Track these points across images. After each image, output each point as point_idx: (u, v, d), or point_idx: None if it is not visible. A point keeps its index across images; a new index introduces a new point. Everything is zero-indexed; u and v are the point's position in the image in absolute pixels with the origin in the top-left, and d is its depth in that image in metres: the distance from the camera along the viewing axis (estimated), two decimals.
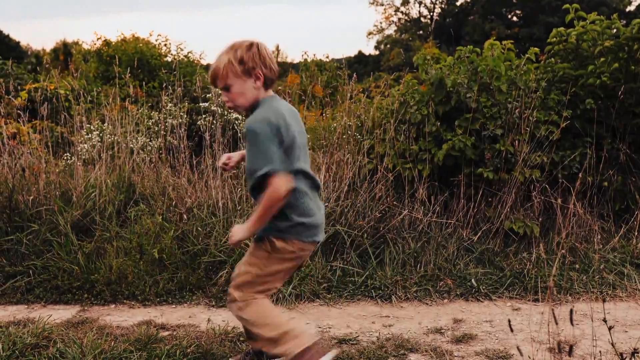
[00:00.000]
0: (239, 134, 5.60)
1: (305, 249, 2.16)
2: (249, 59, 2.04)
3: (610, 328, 1.68)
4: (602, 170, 4.32)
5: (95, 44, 15.17)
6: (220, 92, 2.16)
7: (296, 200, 2.08)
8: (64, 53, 29.97)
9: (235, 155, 2.38)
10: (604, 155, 4.32)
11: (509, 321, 1.57)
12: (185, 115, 5.61)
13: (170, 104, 5.53)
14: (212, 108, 5.39)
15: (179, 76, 5.84)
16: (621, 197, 4.35)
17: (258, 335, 2.15)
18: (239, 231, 2.07)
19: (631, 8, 40.94)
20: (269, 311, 2.17)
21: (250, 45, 2.07)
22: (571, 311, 1.44)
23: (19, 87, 6.68)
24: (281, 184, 1.98)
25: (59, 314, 3.14)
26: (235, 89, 2.06)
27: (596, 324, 2.83)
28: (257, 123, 1.99)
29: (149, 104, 7.17)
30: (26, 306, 3.29)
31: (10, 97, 5.35)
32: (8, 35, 44.70)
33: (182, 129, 4.83)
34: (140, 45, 14.12)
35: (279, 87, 7.38)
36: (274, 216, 2.06)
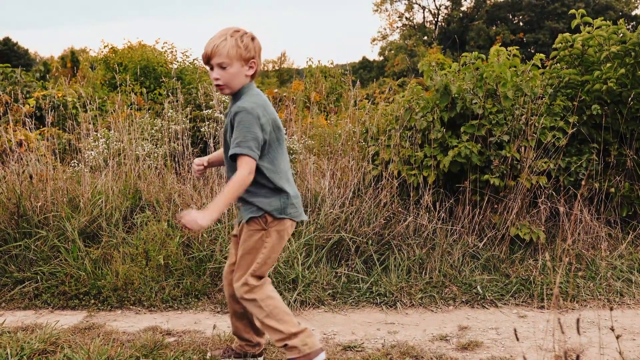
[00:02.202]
0: None
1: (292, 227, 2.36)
2: (252, 48, 2.19)
3: (617, 337, 1.67)
4: (609, 176, 4.30)
5: (102, 52, 15.29)
6: (210, 69, 2.22)
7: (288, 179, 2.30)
8: (72, 61, 30.20)
9: (205, 159, 2.50)
10: (611, 162, 4.30)
11: (515, 330, 1.57)
12: (188, 121, 5.64)
13: (171, 111, 5.57)
14: (216, 115, 5.42)
15: (184, 83, 5.88)
16: (628, 204, 4.33)
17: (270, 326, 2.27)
18: (201, 217, 2.05)
19: (638, 12, 40.83)
20: (280, 302, 2.32)
21: (253, 36, 2.23)
22: (578, 320, 1.44)
23: (27, 95, 6.74)
24: (250, 168, 2.11)
25: (66, 319, 3.16)
26: (231, 70, 2.16)
27: (603, 332, 2.82)
28: (252, 104, 2.15)
29: (155, 111, 7.21)
30: (34, 312, 3.31)
31: (18, 104, 5.40)
32: (17, 43, 45.13)
33: (186, 135, 4.86)
34: (147, 52, 14.21)
35: (284, 94, 7.41)
36: (271, 196, 2.23)
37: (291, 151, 5.06)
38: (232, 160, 2.16)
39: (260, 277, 2.30)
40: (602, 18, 4.57)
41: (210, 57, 2.16)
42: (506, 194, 4.01)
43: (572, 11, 4.61)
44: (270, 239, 2.27)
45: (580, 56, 4.57)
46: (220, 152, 2.49)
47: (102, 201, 4.04)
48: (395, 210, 3.98)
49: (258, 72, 2.26)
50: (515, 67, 4.26)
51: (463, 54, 4.46)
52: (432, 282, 3.58)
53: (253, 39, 2.21)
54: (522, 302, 3.43)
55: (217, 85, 2.21)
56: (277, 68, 47.98)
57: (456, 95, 4.11)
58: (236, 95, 2.23)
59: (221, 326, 3.01)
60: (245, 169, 2.11)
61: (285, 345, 2.28)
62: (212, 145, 4.65)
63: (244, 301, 2.29)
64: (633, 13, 40.37)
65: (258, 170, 2.19)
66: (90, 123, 5.18)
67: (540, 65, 4.35)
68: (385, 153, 4.26)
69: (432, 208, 4.03)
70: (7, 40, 44.40)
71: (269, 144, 2.21)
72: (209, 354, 2.60)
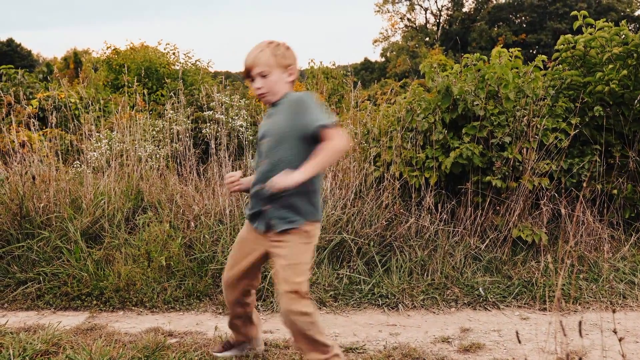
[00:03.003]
0: (244, 142, 5.62)
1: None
2: (288, 56, 2.28)
3: (620, 339, 1.67)
4: (611, 178, 4.29)
5: (105, 53, 15.32)
6: (251, 81, 2.28)
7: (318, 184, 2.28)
8: (75, 62, 30.26)
9: (245, 180, 2.39)
10: (614, 163, 4.29)
11: (517, 332, 1.57)
12: (189, 122, 5.65)
13: (172, 111, 5.57)
14: (217, 116, 5.43)
15: (187, 84, 5.88)
16: (631, 205, 4.32)
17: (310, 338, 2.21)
18: (294, 175, 2.02)
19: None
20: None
21: (288, 46, 2.31)
22: (580, 323, 1.44)
23: (30, 96, 6.76)
24: (343, 137, 2.10)
25: (69, 320, 3.17)
26: (272, 78, 2.23)
27: (606, 334, 2.81)
28: (303, 93, 2.21)
29: (157, 112, 7.22)
30: (36, 312, 3.32)
31: (21, 105, 5.42)
32: (20, 44, 45.26)
33: (187, 136, 4.86)
34: (149, 54, 14.24)
35: None
36: (306, 200, 2.20)
37: None
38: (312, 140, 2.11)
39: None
40: (604, 19, 4.57)
41: (250, 68, 2.23)
42: (508, 195, 4.01)
43: (574, 13, 4.61)
44: (312, 241, 2.26)
45: (582, 57, 4.57)
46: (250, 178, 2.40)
47: (104, 202, 4.05)
48: (397, 212, 3.98)
49: (296, 79, 2.33)
50: (517, 68, 4.26)
51: (465, 56, 4.45)
52: (434, 284, 3.58)
53: (288, 48, 2.29)
54: (524, 304, 3.43)
55: (260, 95, 2.26)
56: None
57: (458, 97, 4.11)
58: (278, 102, 2.26)
59: (223, 327, 3.01)
60: (341, 138, 2.08)
61: None
62: (213, 146, 4.65)
63: (297, 315, 2.17)
64: (635, 14, 40.29)
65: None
66: (92, 124, 5.20)
67: (542, 67, 4.34)
68: (387, 154, 4.26)
69: (433, 209, 4.02)
70: (10, 42, 44.52)
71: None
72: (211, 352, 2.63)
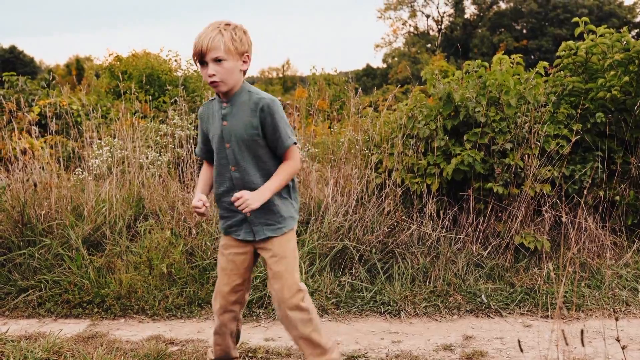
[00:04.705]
0: None
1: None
2: (245, 42, 2.11)
3: (623, 347, 1.66)
4: (614, 184, 4.28)
5: (107, 60, 15.37)
6: (201, 66, 2.10)
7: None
8: (77, 68, 30.39)
9: (203, 196, 2.24)
10: (616, 170, 4.28)
11: (519, 341, 1.56)
12: (193, 128, 5.65)
13: (176, 117, 5.58)
14: None
15: (189, 90, 5.90)
16: (634, 212, 4.30)
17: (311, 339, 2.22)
18: (254, 198, 2.06)
19: None
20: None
21: (245, 30, 2.14)
22: (582, 332, 1.43)
23: (32, 103, 6.78)
24: (299, 157, 2.18)
25: (70, 328, 3.16)
26: (227, 65, 2.06)
27: (609, 342, 2.80)
28: (273, 98, 2.14)
29: (160, 119, 7.24)
30: (37, 320, 3.31)
31: (23, 112, 5.43)
32: (22, 52, 45.47)
33: (190, 142, 4.87)
34: (151, 60, 14.28)
35: (287, 102, 7.42)
36: (288, 200, 2.22)
37: None
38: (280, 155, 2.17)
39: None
40: (606, 25, 4.57)
41: (205, 52, 2.04)
42: (510, 202, 4.00)
43: (576, 19, 4.61)
44: (295, 234, 2.30)
45: (583, 64, 4.57)
46: (207, 176, 2.34)
47: (105, 209, 4.05)
48: (399, 219, 3.97)
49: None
50: (518, 75, 4.26)
51: (466, 62, 4.45)
52: (436, 291, 3.57)
53: (245, 32, 2.13)
54: (527, 311, 3.41)
55: (213, 82, 2.08)
56: (281, 75, 48.14)
57: (459, 103, 4.11)
58: (231, 93, 2.14)
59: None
60: (298, 158, 2.17)
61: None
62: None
63: (298, 311, 2.18)
64: (637, 20, 40.35)
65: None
66: (94, 131, 5.20)
67: (543, 73, 4.34)
68: (388, 161, 4.25)
69: (435, 216, 4.01)
70: (12, 49, 44.72)
71: None
72: None
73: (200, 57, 2.07)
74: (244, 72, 2.15)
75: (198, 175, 2.36)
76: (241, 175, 2.16)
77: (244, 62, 2.12)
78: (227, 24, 2.09)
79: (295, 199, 2.28)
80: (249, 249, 2.28)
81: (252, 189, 2.12)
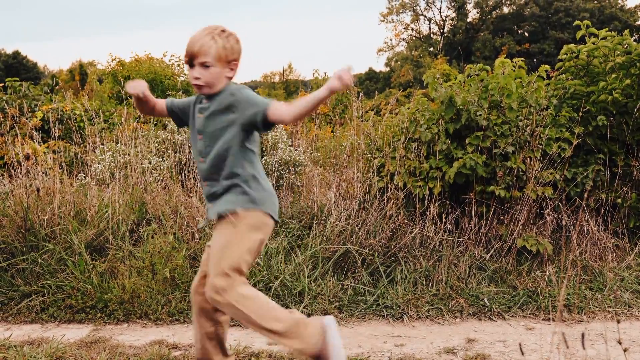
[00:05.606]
0: None
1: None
2: (235, 51, 2.16)
3: (625, 350, 1.66)
4: (615, 187, 4.28)
5: (110, 65, 15.45)
6: (190, 67, 2.14)
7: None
8: (80, 73, 30.50)
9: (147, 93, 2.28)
10: (618, 172, 4.28)
11: (520, 345, 1.56)
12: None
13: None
14: None
15: (190, 95, 5.90)
16: (636, 214, 4.30)
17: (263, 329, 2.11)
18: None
19: None
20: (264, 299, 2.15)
21: (238, 38, 2.18)
22: (582, 335, 1.43)
23: (35, 108, 6.81)
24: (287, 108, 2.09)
25: (73, 333, 3.17)
26: (213, 70, 2.10)
27: (611, 344, 2.79)
28: (235, 87, 2.13)
29: (163, 124, 7.26)
30: (40, 325, 3.32)
31: (26, 118, 5.46)
32: (26, 57, 45.71)
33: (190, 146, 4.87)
34: (154, 65, 14.35)
35: None
36: (248, 186, 2.16)
37: (297, 163, 5.07)
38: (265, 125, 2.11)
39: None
40: (607, 29, 4.58)
41: (195, 55, 2.10)
42: (512, 205, 4.00)
43: (577, 22, 4.62)
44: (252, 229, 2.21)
45: (585, 67, 4.58)
46: (161, 106, 2.37)
47: (108, 214, 4.06)
48: (401, 222, 3.98)
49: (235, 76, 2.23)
50: (520, 78, 4.27)
51: (468, 66, 4.46)
52: (438, 294, 3.57)
53: (238, 41, 2.17)
54: (529, 314, 3.41)
55: (197, 85, 2.14)
56: (283, 79, 48.25)
57: (461, 107, 4.12)
58: (215, 94, 2.17)
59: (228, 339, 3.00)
60: (280, 110, 2.07)
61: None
62: None
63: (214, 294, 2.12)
64: (638, 23, 40.34)
65: (253, 157, 2.19)
66: (97, 136, 5.22)
67: (545, 77, 4.35)
68: (390, 165, 4.26)
69: (438, 220, 4.02)
70: (16, 54, 44.97)
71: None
72: None
73: (190, 59, 2.13)
74: (230, 78, 2.20)
75: (200, 179, 2.36)
76: (207, 167, 2.19)
77: (231, 69, 2.16)
78: (222, 31, 2.13)
79: (257, 192, 2.20)
80: None
81: (216, 181, 2.16)
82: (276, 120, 2.08)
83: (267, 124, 2.10)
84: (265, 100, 2.10)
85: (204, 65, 2.10)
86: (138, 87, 2.21)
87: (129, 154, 4.84)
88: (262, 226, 2.18)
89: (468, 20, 47.83)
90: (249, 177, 2.17)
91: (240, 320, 2.15)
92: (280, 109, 2.07)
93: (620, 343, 1.72)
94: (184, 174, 4.91)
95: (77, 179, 5.04)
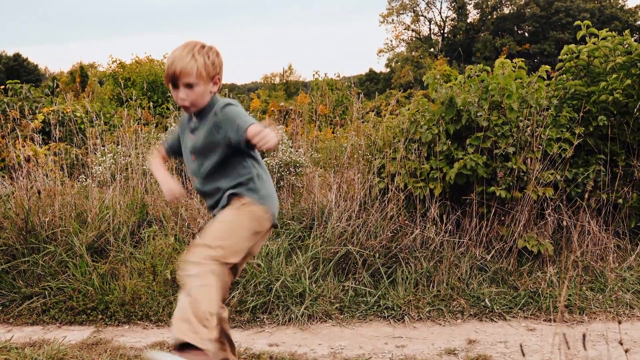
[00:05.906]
0: None
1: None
2: (217, 65, 2.12)
3: (626, 350, 1.65)
4: (616, 187, 4.27)
5: (110, 67, 15.47)
6: (173, 88, 2.10)
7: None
8: (81, 76, 30.53)
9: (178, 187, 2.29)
10: (619, 173, 4.28)
11: (521, 346, 1.56)
12: None
13: (174, 125, 5.61)
14: None
15: None
16: (637, 215, 4.29)
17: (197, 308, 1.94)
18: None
19: None
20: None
21: (218, 51, 2.14)
22: (584, 336, 1.43)
23: (36, 110, 6.83)
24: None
25: (74, 335, 3.17)
26: (198, 89, 2.07)
27: (613, 344, 2.79)
28: (228, 100, 2.12)
29: (163, 126, 7.27)
30: (42, 327, 3.32)
31: (27, 120, 5.46)
32: (27, 59, 45.77)
33: None
34: (155, 67, 14.36)
35: (290, 107, 7.44)
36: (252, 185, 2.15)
37: (297, 164, 5.07)
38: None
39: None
40: (608, 29, 4.58)
41: (178, 77, 2.05)
42: (513, 205, 3.99)
43: (578, 22, 4.62)
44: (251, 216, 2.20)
45: (586, 67, 4.57)
46: (165, 156, 2.41)
47: (109, 216, 4.06)
48: (402, 223, 3.97)
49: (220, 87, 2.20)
50: (520, 78, 4.27)
51: (468, 66, 4.46)
52: (439, 295, 3.56)
53: (218, 54, 2.14)
54: (530, 315, 3.40)
55: (183, 106, 2.11)
56: (284, 81, 48.27)
57: (461, 108, 4.12)
58: (202, 111, 2.15)
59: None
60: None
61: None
62: None
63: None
64: (638, 23, 40.33)
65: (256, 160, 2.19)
66: (97, 138, 5.23)
67: (545, 77, 4.35)
68: (391, 166, 4.26)
69: (438, 220, 4.01)
70: (17, 56, 45.04)
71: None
72: None
73: (173, 80, 2.08)
74: (215, 92, 2.16)
75: (199, 195, 2.35)
76: (204, 186, 2.19)
77: (214, 84, 2.13)
78: (202, 47, 2.09)
79: (260, 191, 2.19)
80: None
81: (217, 194, 2.16)
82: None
83: (251, 146, 2.04)
84: (245, 123, 2.01)
85: (188, 86, 2.06)
86: (176, 193, 2.23)
87: (129, 156, 4.84)
88: (263, 221, 2.16)
89: (468, 20, 47.86)
90: (254, 176, 2.17)
91: (184, 295, 1.99)
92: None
93: (621, 344, 1.72)
94: (185, 175, 4.91)
95: (78, 181, 5.05)
